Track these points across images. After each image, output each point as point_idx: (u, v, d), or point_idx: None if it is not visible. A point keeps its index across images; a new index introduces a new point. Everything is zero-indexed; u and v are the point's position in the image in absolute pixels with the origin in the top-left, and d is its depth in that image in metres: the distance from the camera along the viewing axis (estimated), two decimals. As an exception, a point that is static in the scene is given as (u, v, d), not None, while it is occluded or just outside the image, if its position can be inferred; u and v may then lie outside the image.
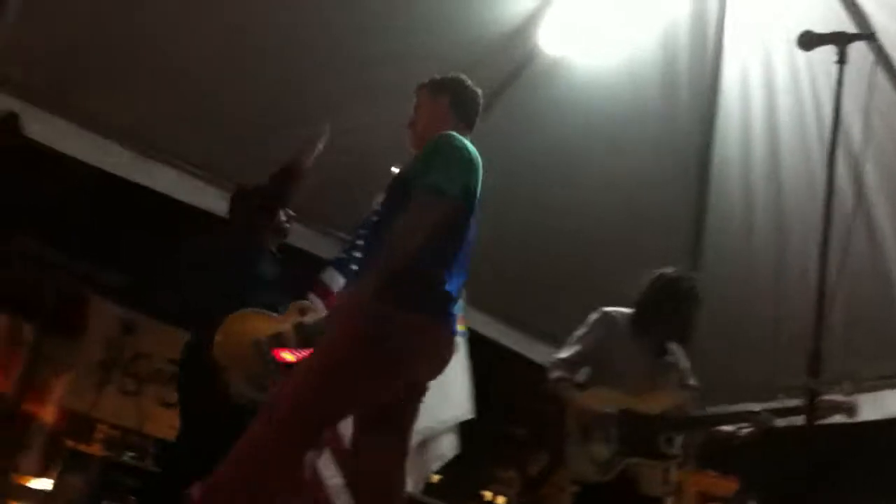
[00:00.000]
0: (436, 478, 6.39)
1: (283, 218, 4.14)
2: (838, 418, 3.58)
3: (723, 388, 6.17)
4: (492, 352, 6.42)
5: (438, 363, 2.74)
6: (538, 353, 6.14)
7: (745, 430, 3.87)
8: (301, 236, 5.25)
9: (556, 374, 3.90)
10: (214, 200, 5.11)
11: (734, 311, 5.98)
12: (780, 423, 4.84)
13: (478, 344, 5.61)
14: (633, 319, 3.98)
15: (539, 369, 5.36)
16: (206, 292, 4.07)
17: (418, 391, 2.85)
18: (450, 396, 4.99)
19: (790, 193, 5.44)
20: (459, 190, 2.69)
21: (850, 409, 3.72)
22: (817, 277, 2.60)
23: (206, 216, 5.14)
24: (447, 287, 2.68)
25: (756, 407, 4.37)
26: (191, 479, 2.57)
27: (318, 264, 5.14)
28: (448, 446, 5.05)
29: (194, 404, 3.78)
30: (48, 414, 10.38)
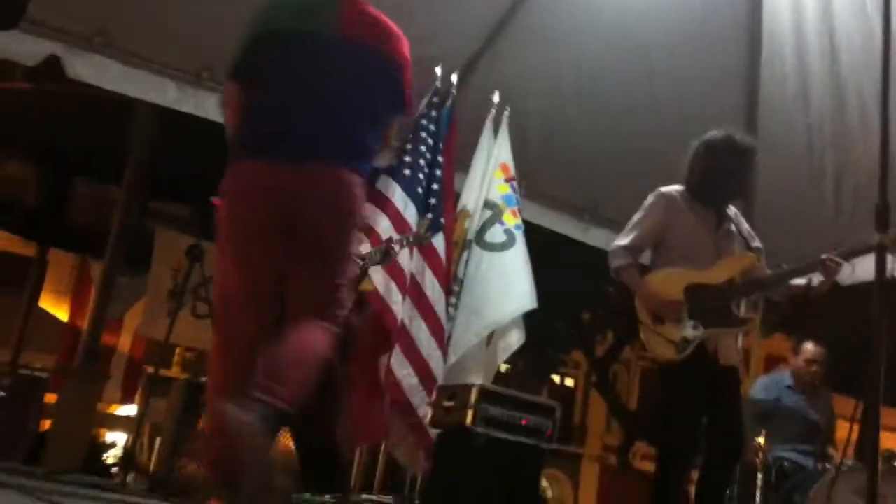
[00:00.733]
0: (504, 367, 6.51)
1: None
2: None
3: (787, 250, 6.13)
4: (550, 241, 6.42)
5: (271, 195, 2.67)
6: (596, 238, 6.12)
7: (819, 280, 3.79)
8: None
9: (619, 261, 3.87)
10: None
11: (794, 170, 5.89)
12: (847, 281, 4.82)
13: (536, 235, 5.62)
14: (689, 190, 3.92)
15: (598, 253, 5.38)
16: None
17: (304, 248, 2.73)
18: (511, 290, 5.04)
19: (844, 45, 5.27)
20: (230, 67, 2.87)
21: None
22: (879, 126, 2.52)
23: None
24: (246, 135, 2.80)
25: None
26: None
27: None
28: (514, 338, 5.13)
29: None
30: (126, 344, 10.77)
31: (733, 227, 3.97)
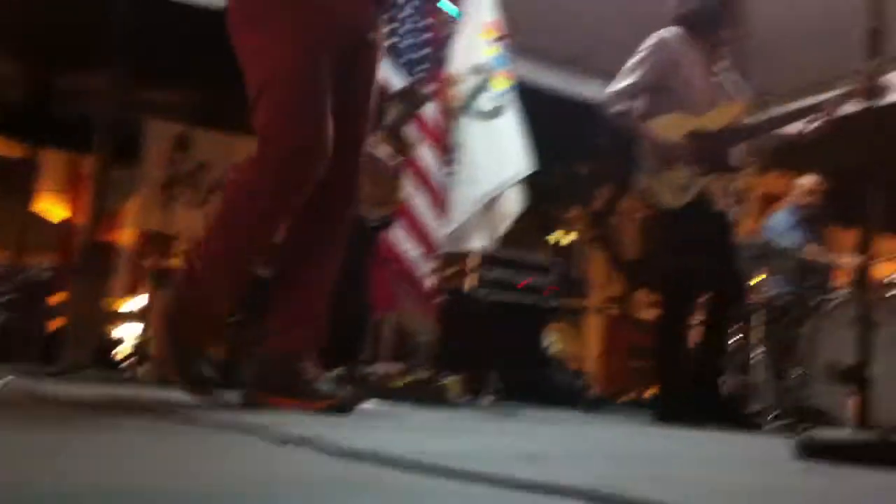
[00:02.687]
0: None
1: None
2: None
3: (784, 84, 6.07)
4: (542, 97, 6.35)
5: None
6: (589, 90, 6.04)
7: (813, 124, 3.80)
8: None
9: (619, 106, 3.85)
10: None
11: (787, 10, 5.76)
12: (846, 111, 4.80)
13: (528, 92, 5.55)
14: (684, 33, 3.87)
15: (590, 107, 5.33)
16: None
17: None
18: (506, 157, 5.02)
19: None
20: None
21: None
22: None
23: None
24: None
25: (819, 99, 4.28)
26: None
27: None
28: (514, 202, 5.14)
29: None
30: (126, 238, 10.80)
31: (727, 73, 3.96)
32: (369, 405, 2.47)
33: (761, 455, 2.11)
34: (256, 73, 2.28)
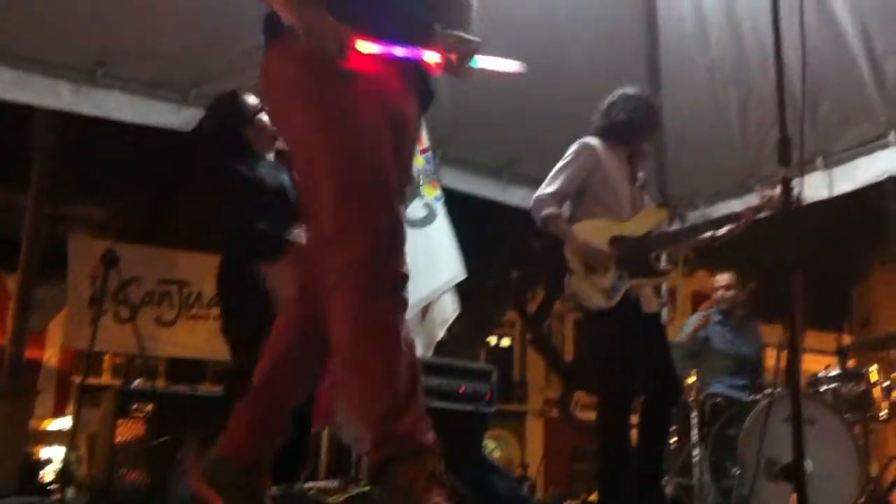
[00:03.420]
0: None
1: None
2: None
3: (699, 189, 6.27)
4: (470, 206, 6.44)
5: None
6: (515, 197, 6.15)
7: (725, 229, 4.00)
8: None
9: (547, 210, 3.91)
10: (165, 116, 5.03)
11: (699, 109, 6.00)
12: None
13: (457, 202, 5.63)
14: (607, 144, 4.02)
15: (519, 213, 5.42)
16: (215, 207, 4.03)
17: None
18: (439, 263, 5.05)
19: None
20: None
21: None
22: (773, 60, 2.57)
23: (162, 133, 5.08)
24: None
25: (735, 204, 4.48)
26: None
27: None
28: (449, 309, 5.15)
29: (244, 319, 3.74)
30: (53, 357, 10.50)
31: (645, 182, 4.13)
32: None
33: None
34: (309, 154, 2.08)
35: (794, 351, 2.28)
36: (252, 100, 3.79)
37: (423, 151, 5.26)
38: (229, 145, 3.76)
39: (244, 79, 4.05)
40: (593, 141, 4.01)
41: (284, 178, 3.74)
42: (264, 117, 3.74)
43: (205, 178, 4.17)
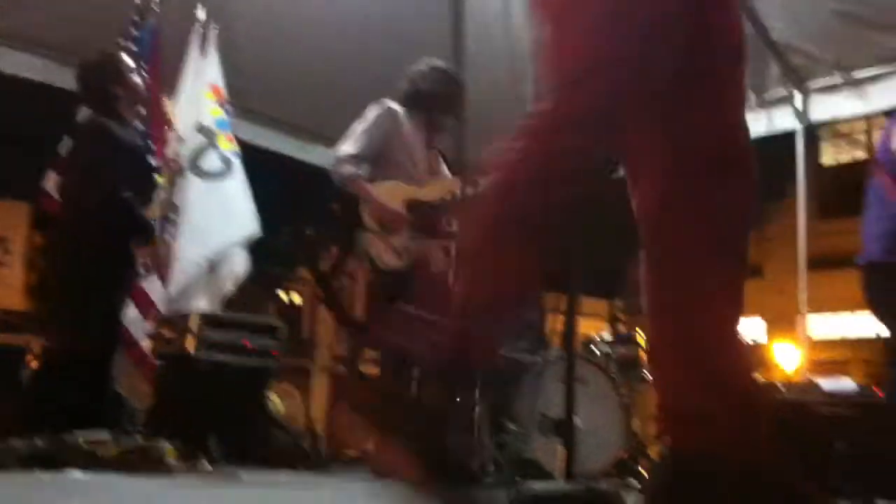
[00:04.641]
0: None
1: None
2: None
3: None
4: (268, 161, 6.34)
5: None
6: (314, 156, 6.11)
7: None
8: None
9: (347, 170, 3.93)
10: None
11: (499, 86, 6.16)
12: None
13: (254, 157, 5.53)
14: (408, 110, 4.07)
15: (317, 170, 5.40)
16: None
17: None
18: (232, 218, 4.96)
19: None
20: None
21: None
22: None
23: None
24: None
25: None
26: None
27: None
28: (239, 264, 5.07)
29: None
30: None
31: (441, 149, 4.23)
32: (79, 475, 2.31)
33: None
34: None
35: (570, 316, 2.43)
36: (128, 60, 3.76)
37: (221, 103, 5.11)
38: (99, 101, 3.73)
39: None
40: (395, 106, 4.06)
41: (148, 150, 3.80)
42: (137, 79, 3.74)
43: (80, 137, 4.02)
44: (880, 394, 4.01)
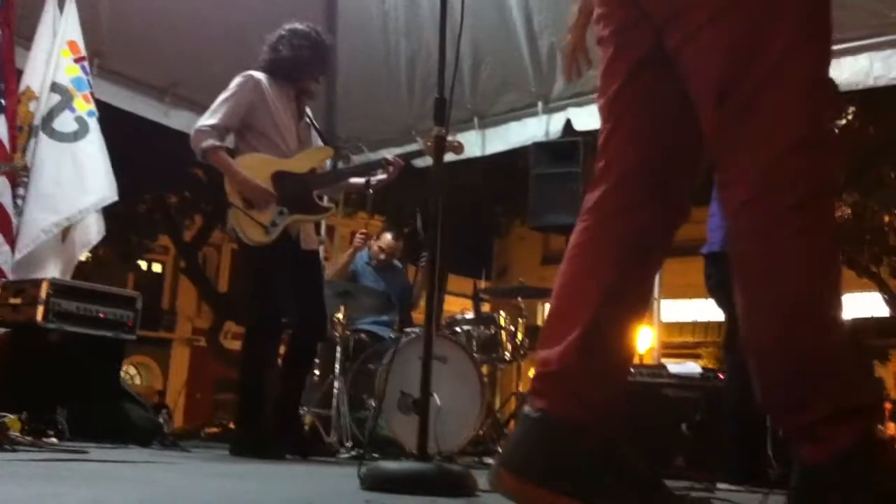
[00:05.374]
0: (85, 257, 6.18)
1: None
2: (452, 155, 3.85)
3: (365, 133, 6.46)
4: (129, 124, 6.10)
5: None
6: (177, 120, 5.91)
7: (378, 177, 4.12)
8: None
9: (208, 141, 3.81)
10: None
11: (371, 56, 6.14)
12: (420, 163, 5.24)
13: (113, 118, 5.30)
14: (273, 78, 3.97)
15: (181, 135, 5.23)
16: None
17: None
18: (87, 182, 4.75)
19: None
20: None
21: (457, 148, 4.01)
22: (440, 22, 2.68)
23: None
24: None
25: (397, 152, 4.66)
26: None
27: None
28: (93, 231, 4.86)
29: None
30: None
31: (310, 121, 4.15)
32: None
33: (331, 489, 2.19)
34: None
35: (430, 295, 2.44)
36: None
37: (79, 60, 4.87)
38: None
39: None
40: (259, 74, 3.95)
41: None
42: None
43: None
44: (722, 377, 4.23)
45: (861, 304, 17.39)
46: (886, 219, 13.05)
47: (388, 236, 5.85)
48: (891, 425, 9.95)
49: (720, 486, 3.26)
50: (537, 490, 1.44)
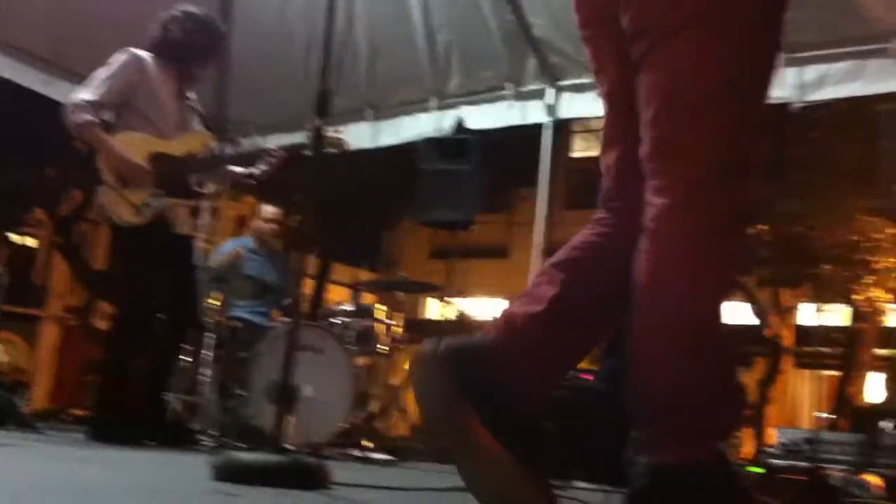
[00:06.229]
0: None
1: None
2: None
3: (258, 117, 6.35)
4: (7, 93, 5.85)
5: None
6: (59, 91, 5.69)
7: (261, 168, 4.09)
8: None
9: (83, 116, 3.70)
10: None
11: (267, 40, 6.05)
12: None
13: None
14: (158, 59, 3.90)
15: (61, 106, 5.05)
16: None
17: None
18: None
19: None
20: None
21: (340, 145, 4.01)
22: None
23: None
24: None
25: (286, 139, 4.62)
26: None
27: None
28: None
29: None
30: None
31: (193, 104, 4.08)
32: None
33: (180, 478, 2.15)
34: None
35: (297, 284, 2.44)
36: None
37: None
38: None
39: None
40: (143, 54, 3.88)
41: None
42: None
43: None
44: (590, 377, 4.34)
45: (730, 313, 18.08)
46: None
47: (268, 208, 5.81)
48: (748, 430, 10.43)
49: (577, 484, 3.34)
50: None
